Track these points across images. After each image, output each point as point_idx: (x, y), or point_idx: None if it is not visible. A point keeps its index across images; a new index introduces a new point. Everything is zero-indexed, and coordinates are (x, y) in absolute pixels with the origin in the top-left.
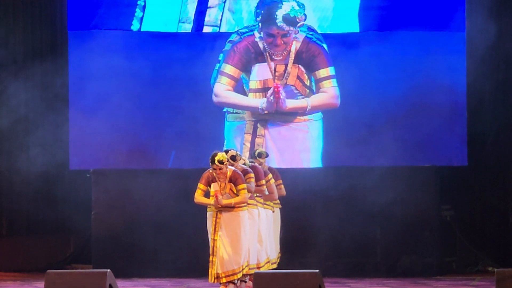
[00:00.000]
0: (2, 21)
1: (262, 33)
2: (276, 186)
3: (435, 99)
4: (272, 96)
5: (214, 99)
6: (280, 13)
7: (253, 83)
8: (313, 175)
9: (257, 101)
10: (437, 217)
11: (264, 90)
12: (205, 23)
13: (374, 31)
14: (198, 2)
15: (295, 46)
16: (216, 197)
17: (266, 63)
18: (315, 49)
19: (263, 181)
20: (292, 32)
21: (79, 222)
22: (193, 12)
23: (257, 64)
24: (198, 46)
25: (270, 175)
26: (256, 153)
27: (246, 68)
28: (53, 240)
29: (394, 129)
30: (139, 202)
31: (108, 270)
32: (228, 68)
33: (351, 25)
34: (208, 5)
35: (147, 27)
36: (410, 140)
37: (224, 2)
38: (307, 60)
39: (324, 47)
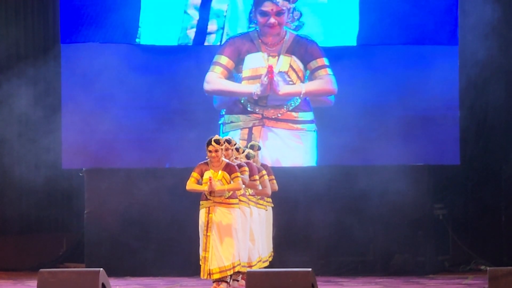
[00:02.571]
0: None
1: (256, 18)
2: (269, 181)
3: (427, 99)
4: (266, 77)
5: (206, 86)
6: None
7: (246, 72)
8: (306, 174)
9: (250, 86)
10: (430, 216)
11: (256, 77)
12: (206, 39)
13: (370, 44)
14: (200, 17)
15: (288, 37)
16: (210, 181)
17: (258, 52)
18: (307, 42)
19: (257, 176)
20: (286, 11)
21: (72, 221)
22: (194, 27)
23: (249, 54)
24: (198, 58)
25: (264, 171)
26: (248, 145)
27: (238, 60)
28: (46, 239)
29: (387, 129)
30: (132, 201)
31: (101, 269)
32: (222, 58)
33: (348, 38)
34: (209, 22)
35: (144, 40)
36: (402, 139)
37: (225, 17)
38: (300, 52)
39: (316, 42)
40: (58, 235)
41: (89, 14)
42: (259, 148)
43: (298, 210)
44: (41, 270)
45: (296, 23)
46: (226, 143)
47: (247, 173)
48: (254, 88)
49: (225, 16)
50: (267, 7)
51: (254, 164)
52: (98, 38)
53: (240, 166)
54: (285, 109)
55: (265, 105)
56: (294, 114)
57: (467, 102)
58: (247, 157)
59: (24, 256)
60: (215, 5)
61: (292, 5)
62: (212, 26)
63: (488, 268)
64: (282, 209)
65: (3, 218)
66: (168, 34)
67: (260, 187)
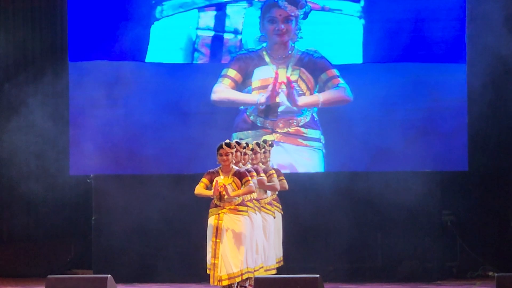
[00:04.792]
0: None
1: (264, 29)
2: (279, 181)
3: (436, 106)
4: (271, 85)
5: (213, 96)
6: None
7: (256, 82)
8: (314, 180)
9: (255, 96)
10: (438, 222)
11: (266, 87)
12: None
13: (376, 62)
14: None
15: (295, 51)
16: (225, 188)
17: (267, 65)
18: (315, 57)
19: (262, 174)
20: (294, 19)
21: (80, 227)
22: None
23: (258, 67)
24: (209, 75)
25: (273, 170)
26: (262, 139)
27: (246, 74)
28: (54, 245)
29: (395, 135)
30: (139, 208)
31: (109, 275)
32: (230, 71)
33: (354, 56)
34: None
35: (152, 58)
36: (411, 146)
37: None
38: (309, 65)
39: (324, 56)
40: (66, 241)
41: (96, 33)
42: (271, 145)
43: (306, 217)
44: (49, 276)
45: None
46: (236, 144)
47: (255, 177)
48: (257, 98)
49: (240, 33)
50: (275, 13)
51: (260, 165)
52: (106, 56)
53: (248, 171)
54: (295, 124)
55: (275, 118)
56: (303, 130)
57: (475, 109)
58: (264, 141)
59: (32, 262)
60: (229, 23)
61: (300, 12)
62: (226, 43)
63: (496, 274)
64: (290, 215)
65: (12, 225)
66: (176, 52)
67: (266, 183)
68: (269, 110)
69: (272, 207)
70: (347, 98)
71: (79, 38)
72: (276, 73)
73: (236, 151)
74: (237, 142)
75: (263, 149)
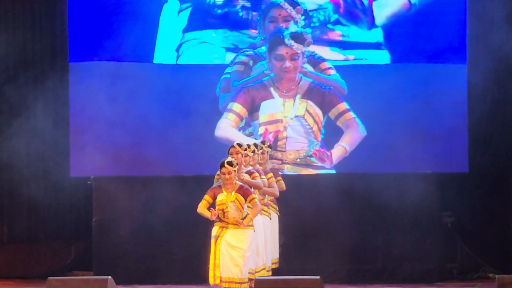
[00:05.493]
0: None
1: (271, 64)
2: (276, 182)
3: (436, 107)
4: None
5: (216, 132)
6: (287, 32)
7: (263, 117)
8: (314, 182)
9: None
10: (438, 223)
11: (273, 122)
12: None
13: (384, 64)
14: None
15: (303, 83)
16: (238, 222)
17: (274, 99)
18: (323, 89)
19: (263, 176)
20: (301, 55)
21: (80, 229)
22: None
23: (264, 101)
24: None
25: (271, 173)
26: (260, 141)
27: (253, 108)
28: (54, 247)
29: (395, 136)
30: (140, 209)
31: (109, 277)
32: (236, 106)
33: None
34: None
35: (157, 59)
36: (412, 147)
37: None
38: (316, 98)
39: (331, 88)
40: (66, 243)
41: (96, 33)
42: (270, 146)
43: (307, 218)
44: (49, 278)
45: (302, 21)
46: (237, 146)
47: (257, 178)
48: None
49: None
50: (281, 51)
51: (258, 166)
52: (107, 57)
53: (250, 173)
54: (304, 154)
55: (284, 150)
56: (313, 159)
57: (476, 110)
58: (262, 142)
59: (33, 264)
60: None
61: (307, 48)
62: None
63: (496, 276)
64: (290, 216)
65: (12, 226)
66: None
67: (266, 187)
68: (276, 143)
69: (269, 208)
70: (363, 135)
71: (79, 39)
72: (266, 131)
73: (237, 153)
74: (238, 144)
75: (261, 150)
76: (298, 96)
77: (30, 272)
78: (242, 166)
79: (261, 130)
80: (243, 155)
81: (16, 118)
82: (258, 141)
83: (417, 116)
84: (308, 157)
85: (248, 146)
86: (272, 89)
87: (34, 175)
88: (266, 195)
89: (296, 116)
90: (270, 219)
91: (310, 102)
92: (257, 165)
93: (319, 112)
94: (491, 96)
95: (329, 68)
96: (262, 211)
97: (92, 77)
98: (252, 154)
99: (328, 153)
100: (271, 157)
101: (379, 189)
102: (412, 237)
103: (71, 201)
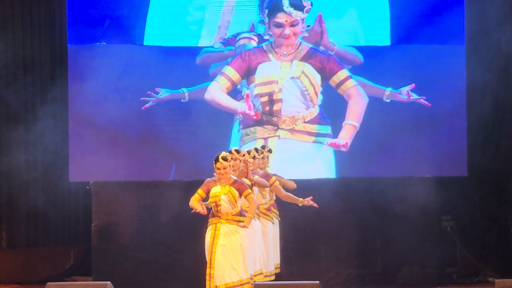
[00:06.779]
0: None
1: (270, 30)
2: (283, 182)
3: (435, 110)
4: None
5: (206, 95)
6: (285, 0)
7: (259, 79)
8: (313, 186)
9: (238, 104)
10: (438, 227)
11: (268, 83)
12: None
13: (381, 45)
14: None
15: (302, 47)
16: (243, 226)
17: (271, 61)
18: (322, 55)
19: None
20: (300, 21)
21: (79, 234)
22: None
23: (262, 63)
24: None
25: (274, 177)
26: (260, 147)
27: (248, 72)
28: (53, 252)
29: (394, 141)
30: (139, 214)
31: (108, 282)
32: (229, 71)
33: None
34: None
35: (149, 41)
36: (410, 151)
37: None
38: (315, 63)
39: (331, 54)
40: (65, 248)
41: (95, 15)
42: (270, 151)
43: (306, 222)
44: (48, 283)
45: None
46: (234, 152)
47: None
48: (239, 107)
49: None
50: (281, 18)
51: (259, 170)
52: (106, 39)
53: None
54: (300, 120)
55: (280, 115)
56: (310, 126)
57: (474, 114)
58: (262, 147)
59: (32, 269)
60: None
61: (306, 15)
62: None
63: (496, 280)
64: (289, 221)
65: (11, 231)
66: (175, 35)
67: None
68: (272, 106)
69: (271, 213)
70: (365, 101)
71: (80, 40)
72: (248, 95)
73: (235, 159)
74: (236, 150)
75: (261, 155)
76: (296, 59)
77: (29, 277)
78: (250, 170)
79: (256, 91)
80: (241, 161)
81: (15, 123)
82: (258, 146)
83: (416, 120)
84: (305, 123)
85: (248, 152)
86: (270, 54)
87: (33, 180)
88: (268, 199)
89: (292, 78)
90: (273, 223)
91: (307, 65)
92: (258, 169)
93: (316, 76)
94: (489, 101)
95: (346, 78)
96: (265, 216)
97: (91, 81)
98: (253, 159)
99: (343, 143)
100: (267, 123)
101: (378, 193)
102: (411, 241)
103: (70, 206)
